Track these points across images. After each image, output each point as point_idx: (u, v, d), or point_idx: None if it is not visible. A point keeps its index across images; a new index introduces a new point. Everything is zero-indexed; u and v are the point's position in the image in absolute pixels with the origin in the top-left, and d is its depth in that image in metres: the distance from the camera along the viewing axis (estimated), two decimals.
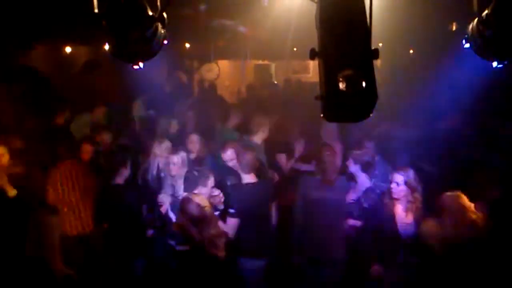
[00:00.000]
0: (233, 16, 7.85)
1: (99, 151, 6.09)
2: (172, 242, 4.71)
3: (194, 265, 4.04)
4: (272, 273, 5.29)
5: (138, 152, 6.20)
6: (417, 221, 4.70)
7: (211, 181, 4.80)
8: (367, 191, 5.35)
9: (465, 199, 4.28)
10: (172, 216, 4.95)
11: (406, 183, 4.74)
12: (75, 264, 4.01)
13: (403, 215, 4.82)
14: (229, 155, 5.43)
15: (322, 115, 2.75)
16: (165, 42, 3.07)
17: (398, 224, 4.80)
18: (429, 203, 4.70)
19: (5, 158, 5.14)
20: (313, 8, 2.92)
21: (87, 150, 5.89)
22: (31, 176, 5.35)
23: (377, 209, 5.05)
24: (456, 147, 5.98)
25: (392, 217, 4.83)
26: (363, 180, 5.44)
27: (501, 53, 2.96)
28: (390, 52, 9.18)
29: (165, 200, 5.21)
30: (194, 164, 5.67)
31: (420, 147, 5.98)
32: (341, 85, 2.51)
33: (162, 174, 5.68)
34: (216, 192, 4.84)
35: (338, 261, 5.16)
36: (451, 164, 5.77)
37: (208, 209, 4.09)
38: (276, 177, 6.14)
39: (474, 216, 4.21)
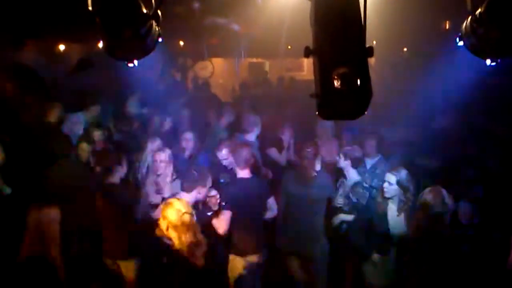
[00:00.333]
0: (226, 14, 7.86)
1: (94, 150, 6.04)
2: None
3: (172, 273, 3.95)
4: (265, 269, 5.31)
5: (133, 151, 6.17)
6: (409, 221, 4.74)
7: (209, 181, 4.78)
8: (354, 185, 5.44)
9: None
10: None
11: (398, 182, 4.81)
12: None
13: (395, 214, 4.88)
14: (224, 154, 5.45)
15: (317, 113, 2.76)
16: (159, 40, 3.06)
17: (390, 223, 4.87)
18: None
19: (0, 157, 5.09)
20: (307, 5, 2.91)
21: (83, 148, 5.86)
22: (26, 174, 5.29)
23: (368, 206, 5.16)
24: (448, 146, 6.02)
25: (384, 215, 4.90)
26: (352, 176, 5.52)
27: (495, 51, 2.97)
28: (384, 50, 9.18)
29: (153, 199, 5.19)
30: (187, 162, 5.64)
31: (413, 146, 6.01)
32: (336, 83, 2.52)
33: (150, 173, 5.62)
34: (213, 192, 4.82)
35: (317, 256, 5.29)
36: (442, 161, 5.81)
37: (187, 216, 3.97)
38: (270, 174, 6.15)
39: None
